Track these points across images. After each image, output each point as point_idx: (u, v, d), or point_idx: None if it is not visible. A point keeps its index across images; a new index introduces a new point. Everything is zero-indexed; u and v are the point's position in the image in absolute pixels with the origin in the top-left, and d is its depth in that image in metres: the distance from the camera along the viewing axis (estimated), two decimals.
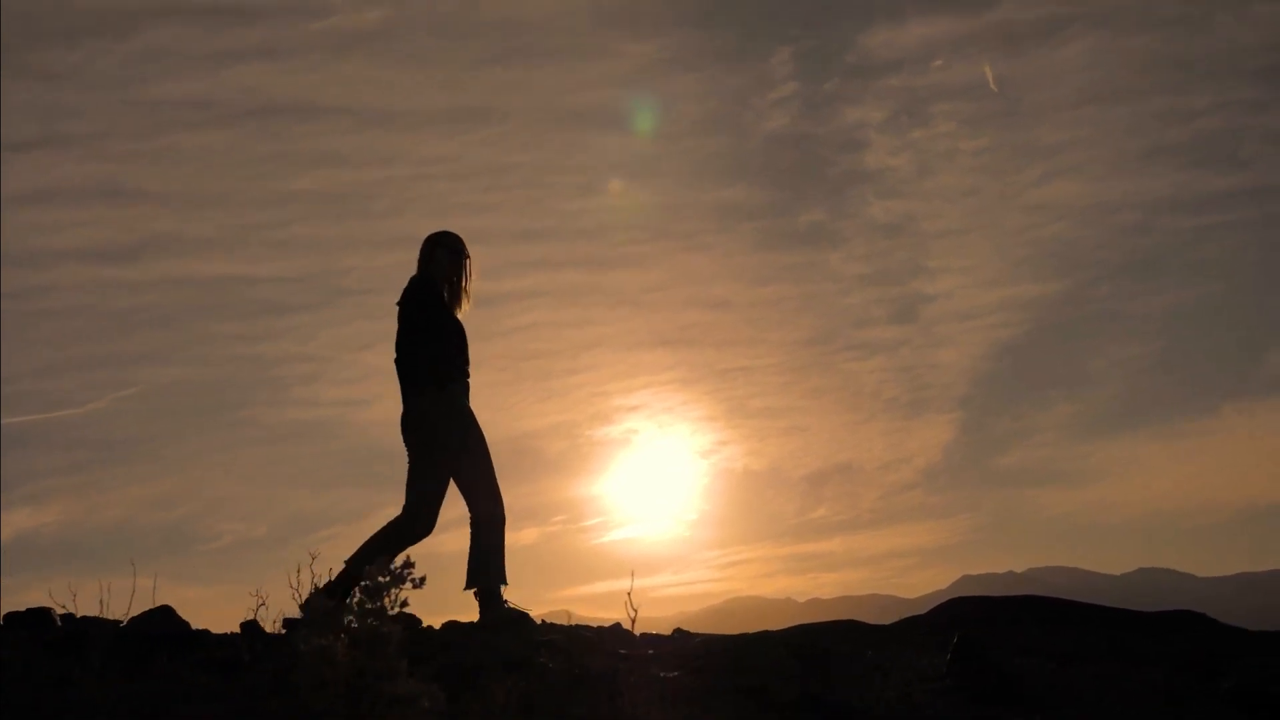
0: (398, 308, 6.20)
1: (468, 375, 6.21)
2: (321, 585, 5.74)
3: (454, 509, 6.09)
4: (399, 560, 3.36)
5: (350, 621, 3.05)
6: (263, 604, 3.65)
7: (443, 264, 6.27)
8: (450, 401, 6.07)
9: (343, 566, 5.89)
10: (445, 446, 6.04)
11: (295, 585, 3.34)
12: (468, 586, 6.09)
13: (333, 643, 2.87)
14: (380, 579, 3.26)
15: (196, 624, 5.81)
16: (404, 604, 3.33)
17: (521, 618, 5.96)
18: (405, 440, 6.16)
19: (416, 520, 6.02)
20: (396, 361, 6.16)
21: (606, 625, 6.26)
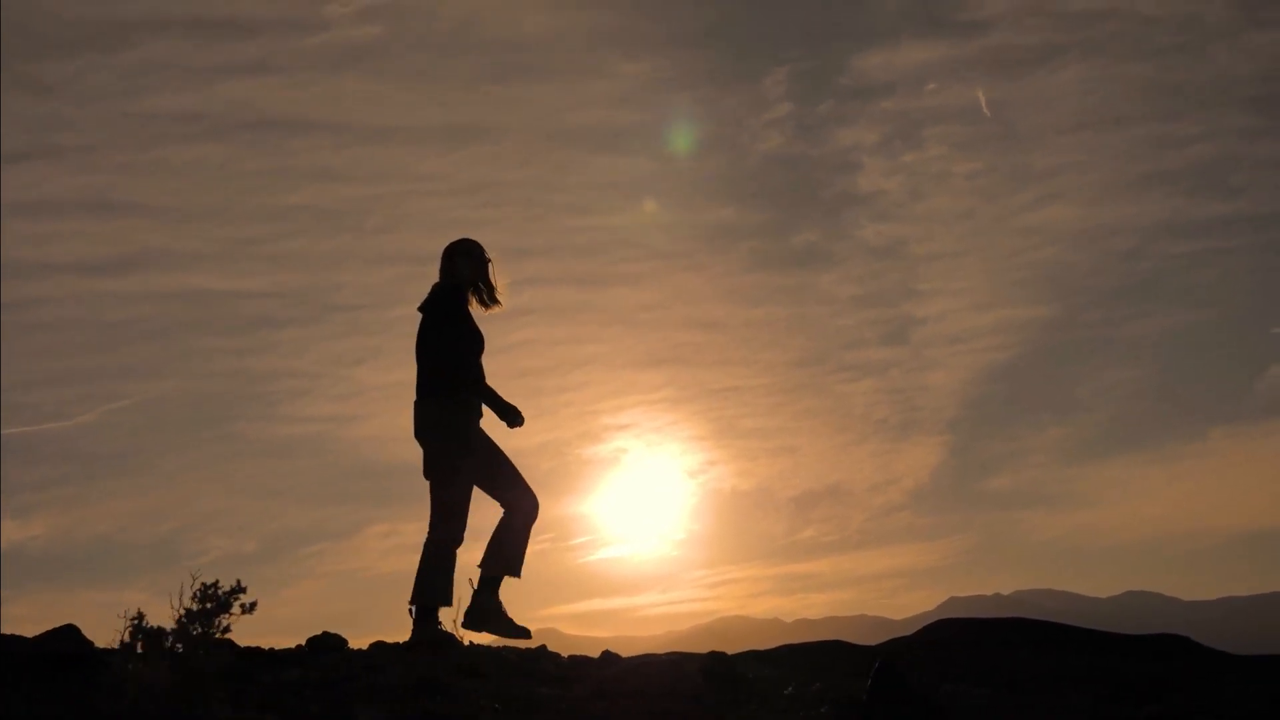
0: (420, 313, 6.17)
1: (481, 384, 6.20)
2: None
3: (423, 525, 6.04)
4: (228, 584, 3.22)
5: (174, 647, 2.85)
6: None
7: (464, 271, 6.25)
8: (461, 409, 6.03)
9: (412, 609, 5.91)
10: (459, 453, 5.99)
11: (177, 606, 3.21)
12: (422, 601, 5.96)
13: (152, 669, 2.68)
14: (207, 605, 3.10)
15: None
16: (227, 629, 3.17)
17: (447, 639, 5.86)
18: (422, 445, 6.10)
19: (444, 529, 6.00)
20: (419, 385, 6.09)
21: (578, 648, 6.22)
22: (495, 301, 6.30)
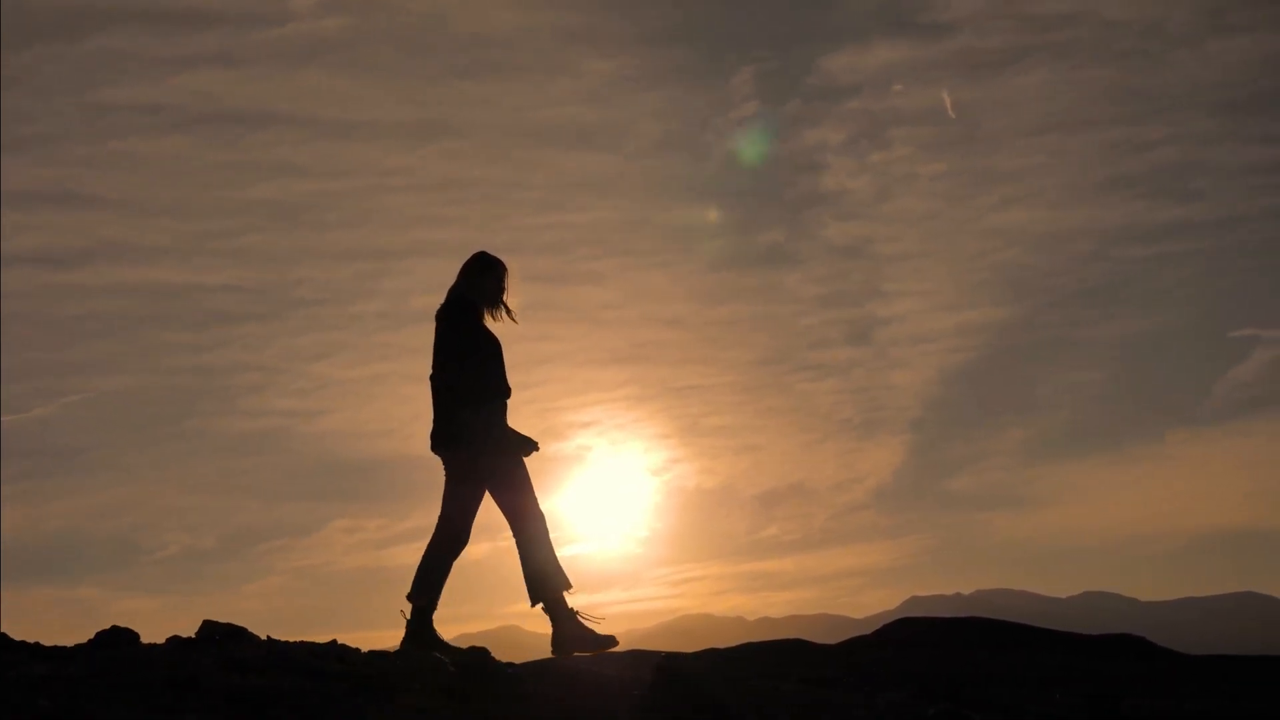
0: (436, 321, 6.27)
1: (508, 393, 6.29)
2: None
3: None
4: None
5: None
6: None
7: (488, 289, 6.36)
8: (490, 418, 6.16)
9: (410, 606, 6.07)
10: (485, 462, 6.14)
11: None
12: (533, 603, 6.20)
13: None
14: None
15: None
16: None
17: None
18: (440, 454, 6.24)
19: (451, 532, 6.16)
20: (433, 378, 6.21)
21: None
22: (511, 319, 6.41)
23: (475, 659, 5.28)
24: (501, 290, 6.40)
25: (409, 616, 6.11)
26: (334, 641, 5.72)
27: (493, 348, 6.29)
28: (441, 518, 6.23)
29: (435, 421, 6.22)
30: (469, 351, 6.17)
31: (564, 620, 6.17)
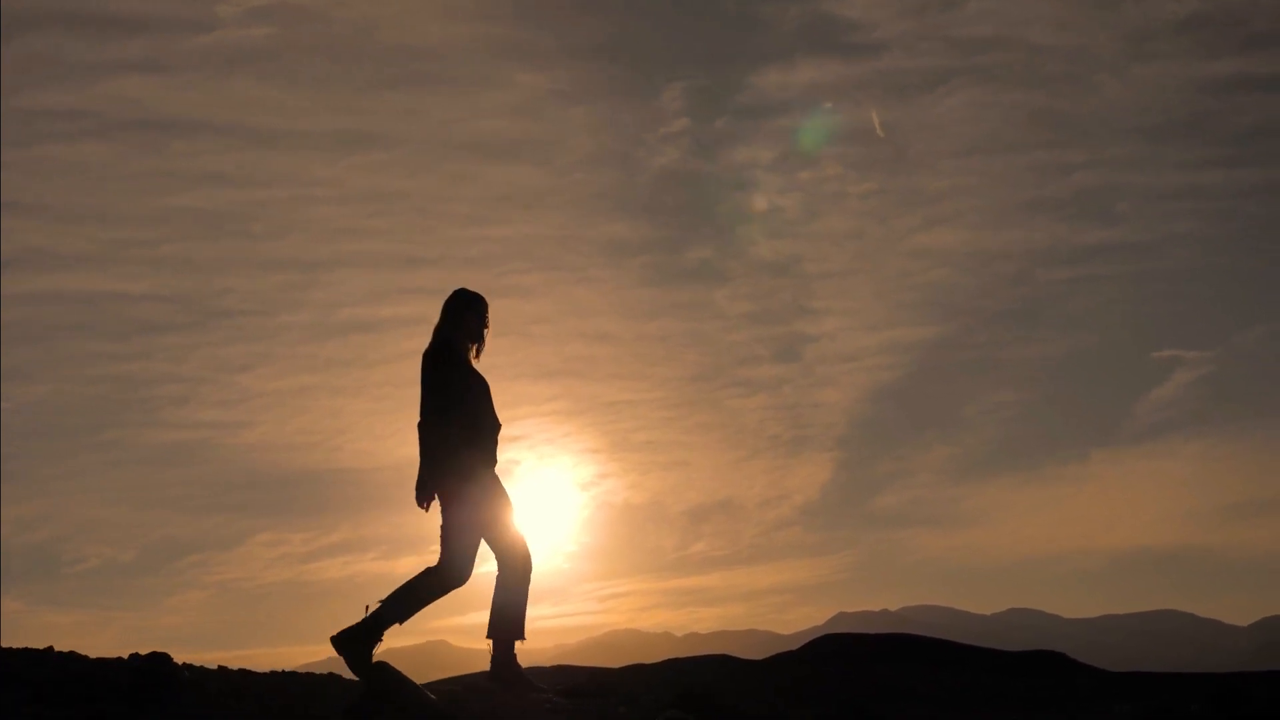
0: (423, 363, 6.30)
1: (497, 428, 6.42)
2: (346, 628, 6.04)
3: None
4: None
5: None
6: None
7: (470, 326, 6.44)
8: (477, 458, 6.24)
9: (376, 606, 6.03)
10: (473, 502, 6.19)
11: None
12: (489, 635, 6.29)
13: None
14: None
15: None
16: None
17: (377, 668, 5.96)
18: (423, 495, 6.20)
19: (451, 573, 6.16)
20: (421, 424, 6.22)
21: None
22: (477, 352, 6.46)
23: (154, 665, 5.16)
24: (484, 326, 6.48)
25: (366, 614, 6.01)
26: (50, 648, 5.58)
27: (479, 387, 6.37)
28: (441, 558, 6.21)
29: (420, 469, 6.20)
30: (455, 397, 6.22)
31: (503, 662, 6.27)
